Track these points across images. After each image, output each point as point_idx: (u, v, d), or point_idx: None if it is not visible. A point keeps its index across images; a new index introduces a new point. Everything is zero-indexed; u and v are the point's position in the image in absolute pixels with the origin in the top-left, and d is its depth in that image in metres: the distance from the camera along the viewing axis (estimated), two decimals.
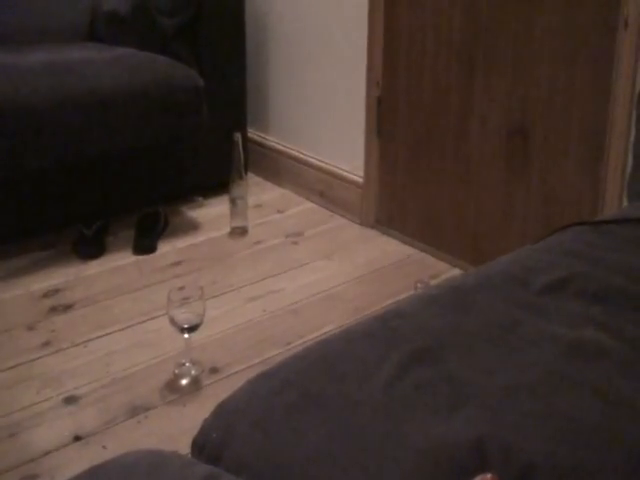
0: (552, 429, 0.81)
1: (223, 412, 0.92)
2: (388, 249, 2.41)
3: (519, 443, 0.79)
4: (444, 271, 2.28)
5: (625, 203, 1.86)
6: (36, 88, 2.11)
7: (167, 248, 2.36)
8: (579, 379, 0.89)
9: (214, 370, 1.79)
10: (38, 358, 1.81)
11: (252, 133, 2.88)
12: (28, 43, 2.45)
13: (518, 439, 0.79)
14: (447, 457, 0.77)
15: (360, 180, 2.55)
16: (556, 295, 1.08)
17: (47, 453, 1.52)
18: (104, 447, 1.54)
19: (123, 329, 1.93)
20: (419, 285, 1.95)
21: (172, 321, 1.70)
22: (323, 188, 2.68)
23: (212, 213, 2.61)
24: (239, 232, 2.47)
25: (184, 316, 1.70)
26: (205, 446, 0.89)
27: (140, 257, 2.30)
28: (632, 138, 1.78)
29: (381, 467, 0.78)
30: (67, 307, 2.02)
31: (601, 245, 1.25)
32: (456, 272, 2.26)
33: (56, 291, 2.10)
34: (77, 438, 1.56)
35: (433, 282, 2.13)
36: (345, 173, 2.60)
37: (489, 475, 0.68)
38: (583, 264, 1.17)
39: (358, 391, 0.87)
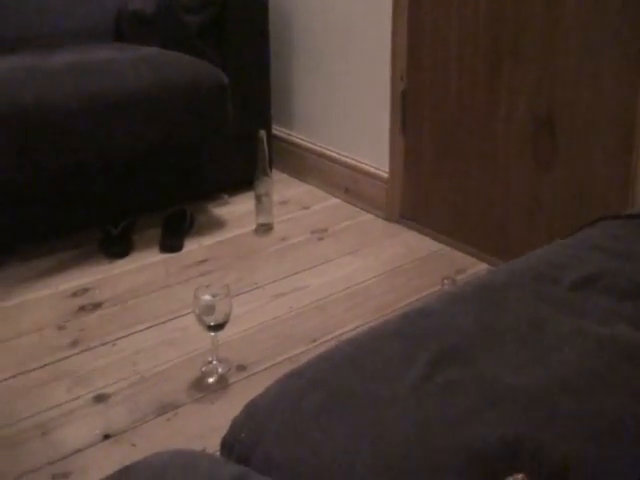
0: (584, 428, 0.80)
1: (252, 412, 0.92)
2: (414, 244, 2.40)
3: (551, 443, 0.78)
4: (470, 266, 2.26)
5: None
6: (63, 89, 2.12)
7: (193, 246, 2.37)
8: (611, 377, 0.88)
9: (241, 368, 1.79)
10: (68, 357, 1.83)
11: (277, 130, 2.88)
12: (54, 45, 2.47)
13: (550, 438, 0.78)
14: (478, 457, 0.77)
15: (385, 175, 2.54)
16: (586, 291, 1.06)
17: (77, 451, 1.53)
18: (133, 445, 1.55)
19: (150, 327, 1.95)
20: (446, 281, 1.94)
21: (199, 319, 1.71)
22: (348, 184, 2.67)
23: (237, 210, 2.61)
24: (264, 229, 2.47)
25: (211, 314, 1.71)
26: (234, 446, 0.90)
27: (167, 255, 2.31)
28: None
29: (412, 467, 0.77)
30: (95, 306, 2.04)
31: (631, 239, 1.23)
32: (483, 267, 2.24)
33: (84, 290, 2.12)
34: (107, 436, 1.57)
35: (460, 277, 2.12)
36: (370, 168, 2.59)
37: (520, 476, 0.68)
38: (613, 259, 1.15)
39: (387, 391, 0.87)
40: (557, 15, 1.95)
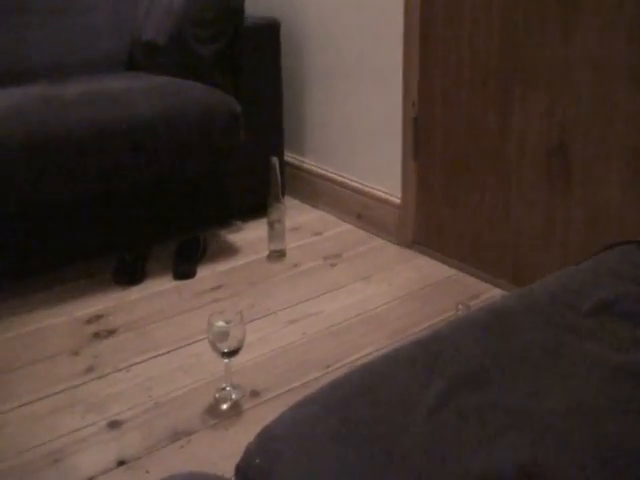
0: (600, 456, 0.79)
1: (266, 438, 0.91)
2: (427, 270, 2.40)
3: (565, 470, 0.77)
4: (484, 291, 2.25)
5: None
6: (77, 118, 2.15)
7: (206, 273, 2.38)
8: (627, 404, 0.88)
9: (254, 394, 1.79)
10: (82, 383, 1.83)
11: (289, 156, 2.90)
12: (68, 74, 2.51)
13: (564, 466, 0.78)
14: None
15: (397, 201, 2.55)
16: (602, 317, 1.06)
17: (91, 478, 1.53)
18: (147, 472, 1.54)
19: (164, 354, 1.95)
20: (460, 307, 1.94)
21: (213, 346, 1.71)
22: (360, 210, 2.68)
23: (250, 237, 2.62)
24: (277, 255, 2.48)
25: (224, 341, 1.71)
26: (248, 472, 0.89)
27: (180, 282, 2.32)
28: None
29: None
30: (110, 333, 2.05)
31: None
32: (496, 292, 2.23)
33: (99, 317, 2.12)
34: (121, 463, 1.57)
35: (473, 303, 2.12)
36: (382, 194, 2.60)
37: None
38: (629, 285, 1.14)
39: (401, 419, 0.86)
40: (570, 42, 1.97)
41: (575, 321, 1.05)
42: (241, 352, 1.74)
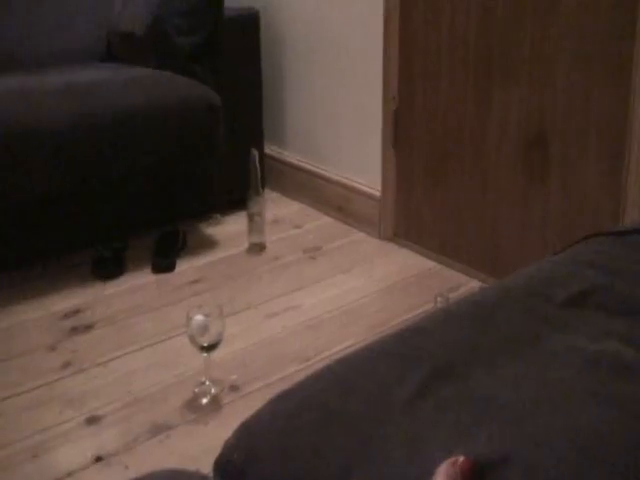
0: (577, 446, 0.79)
1: (244, 433, 0.91)
2: (407, 262, 2.40)
3: (543, 461, 0.77)
4: (463, 283, 2.26)
5: None
6: (55, 110, 2.13)
7: (186, 266, 2.37)
8: (603, 394, 0.88)
9: (234, 388, 1.78)
10: (60, 379, 1.82)
11: (269, 149, 2.89)
12: (46, 65, 2.48)
13: (542, 457, 0.78)
14: None
15: (377, 194, 2.54)
16: (578, 308, 1.06)
17: (70, 474, 1.52)
18: (126, 467, 1.54)
19: (143, 348, 1.94)
20: (439, 299, 1.94)
21: (192, 340, 1.70)
22: (340, 202, 2.68)
23: (230, 230, 2.61)
24: (257, 248, 2.47)
25: (204, 335, 1.70)
26: (227, 467, 0.89)
27: (159, 276, 2.30)
28: None
29: None
30: (87, 327, 2.03)
31: (623, 256, 1.23)
32: (475, 284, 2.24)
33: (76, 311, 2.11)
34: (99, 459, 1.56)
35: (453, 295, 2.12)
36: (362, 187, 2.60)
37: (462, 458, 0.67)
38: (605, 276, 1.15)
39: (380, 411, 0.86)
40: (546, 32, 1.97)
41: (551, 312, 1.06)
42: (220, 346, 1.73)
